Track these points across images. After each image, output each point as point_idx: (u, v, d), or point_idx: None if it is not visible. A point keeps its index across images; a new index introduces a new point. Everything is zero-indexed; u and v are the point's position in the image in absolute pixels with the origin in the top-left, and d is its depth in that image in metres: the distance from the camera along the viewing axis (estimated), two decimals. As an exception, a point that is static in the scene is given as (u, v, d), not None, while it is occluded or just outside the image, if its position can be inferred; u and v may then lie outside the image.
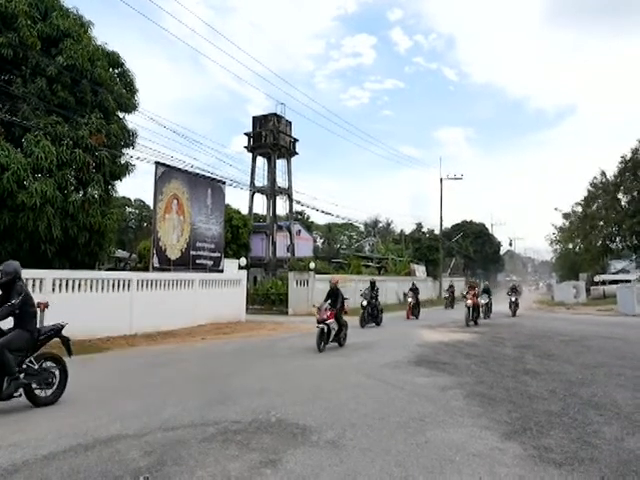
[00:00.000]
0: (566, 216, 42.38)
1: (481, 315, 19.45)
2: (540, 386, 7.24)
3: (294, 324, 17.71)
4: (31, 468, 3.96)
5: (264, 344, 12.37)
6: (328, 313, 10.83)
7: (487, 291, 22.05)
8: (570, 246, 44.71)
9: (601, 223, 37.79)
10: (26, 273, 11.01)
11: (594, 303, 32.20)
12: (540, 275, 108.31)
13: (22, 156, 12.38)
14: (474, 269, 62.09)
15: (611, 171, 36.99)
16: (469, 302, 17.62)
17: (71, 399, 6.34)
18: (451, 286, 31.01)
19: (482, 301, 20.64)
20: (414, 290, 22.19)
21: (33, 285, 10.96)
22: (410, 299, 21.77)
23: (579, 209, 40.28)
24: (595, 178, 38.18)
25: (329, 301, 11.53)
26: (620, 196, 36.73)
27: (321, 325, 10.67)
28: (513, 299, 23.72)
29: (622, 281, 32.26)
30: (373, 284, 18.38)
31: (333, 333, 10.95)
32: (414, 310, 21.47)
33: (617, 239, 38.80)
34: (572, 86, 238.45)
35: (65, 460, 4.13)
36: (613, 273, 42.05)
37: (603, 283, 37.82)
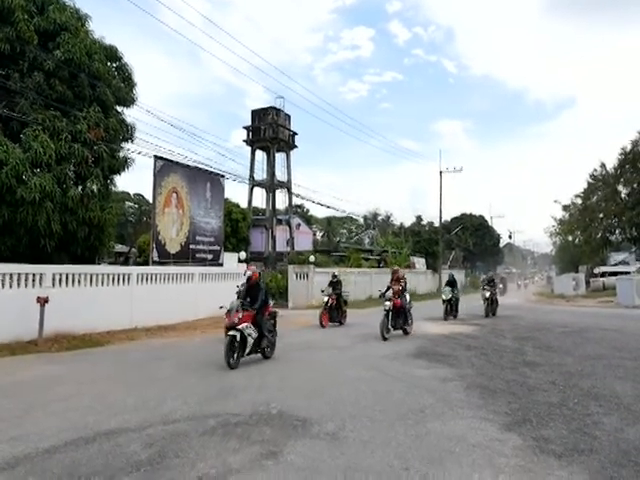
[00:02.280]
0: (566, 208, 42.32)
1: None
2: (540, 378, 7.26)
3: (294, 317, 17.69)
4: (33, 461, 3.98)
5: (264, 337, 12.39)
6: (240, 315, 8.21)
7: (452, 283, 17.45)
8: (570, 238, 44.69)
9: (601, 215, 37.76)
10: (26, 268, 11.11)
11: (594, 295, 32.24)
12: (540, 267, 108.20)
13: (20, 151, 12.33)
14: (474, 262, 62.11)
15: (611, 163, 36.95)
16: (387, 304, 12.00)
17: (71, 393, 6.37)
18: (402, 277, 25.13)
19: (444, 297, 16.96)
20: (334, 284, 15.39)
21: (33, 280, 10.98)
22: (326, 298, 14.86)
23: (579, 201, 40.23)
24: (595, 170, 38.12)
25: (245, 300, 8.74)
26: (620, 188, 36.67)
27: (232, 332, 8.08)
28: (487, 295, 18.03)
29: (622, 273, 32.27)
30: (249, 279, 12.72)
31: (251, 341, 8.36)
32: (334, 314, 14.96)
33: (617, 231, 38.78)
34: (571, 78, 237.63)
35: (66, 453, 4.15)
36: (613, 265, 42.07)
37: (603, 275, 37.84)
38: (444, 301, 17.05)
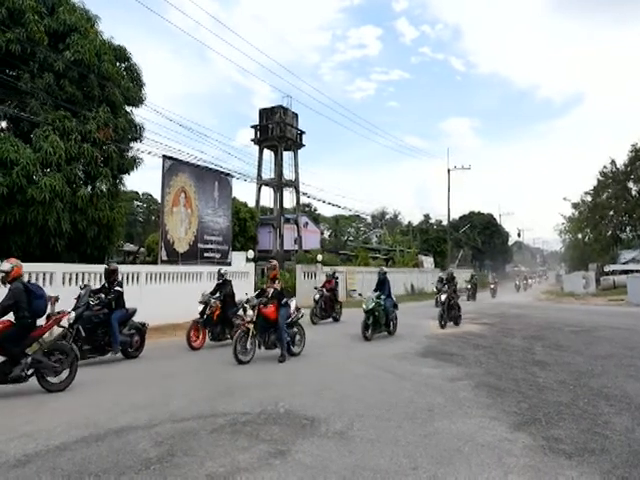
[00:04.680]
0: (575, 206, 41.97)
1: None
2: (549, 377, 7.22)
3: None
4: (43, 458, 4.02)
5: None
6: None
7: (381, 286, 12.27)
8: (579, 236, 44.35)
9: (611, 213, 37.46)
10: (36, 267, 11.20)
11: (604, 293, 31.92)
12: (549, 266, 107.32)
13: (31, 151, 12.46)
14: (482, 260, 61.78)
15: (621, 160, 36.61)
16: (249, 314, 8.59)
17: (81, 391, 6.42)
18: (332, 276, 16.98)
19: (364, 306, 11.55)
20: (220, 285, 11.02)
21: (43, 279, 11.07)
22: (202, 306, 10.40)
23: (588, 199, 39.87)
24: (605, 167, 37.78)
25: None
26: (630, 185, 36.36)
27: None
28: (443, 298, 13.91)
29: (633, 271, 31.94)
30: (111, 272, 9.27)
31: None
32: (216, 329, 10.53)
33: (627, 229, 38.48)
34: (580, 75, 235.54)
35: (77, 451, 4.18)
36: (623, 263, 41.57)
37: (613, 273, 37.43)
38: (366, 312, 11.52)
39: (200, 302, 10.50)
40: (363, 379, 7.13)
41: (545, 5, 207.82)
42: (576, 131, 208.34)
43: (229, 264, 18.38)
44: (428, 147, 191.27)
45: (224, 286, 10.96)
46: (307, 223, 40.32)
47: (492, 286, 32.01)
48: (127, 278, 13.39)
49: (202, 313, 10.35)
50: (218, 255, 18.08)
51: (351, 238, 60.83)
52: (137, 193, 43.18)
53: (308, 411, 5.37)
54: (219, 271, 11.60)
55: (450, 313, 13.90)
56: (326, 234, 61.01)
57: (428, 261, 40.09)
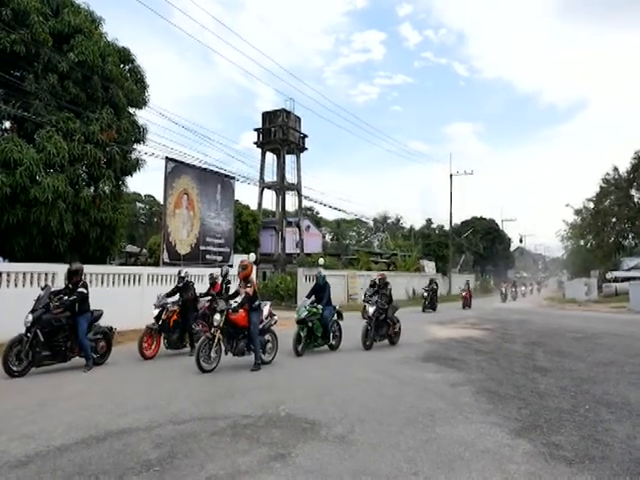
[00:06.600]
0: (578, 212, 41.91)
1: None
2: (550, 383, 7.20)
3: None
4: (44, 459, 4.02)
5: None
6: None
7: (319, 291, 10.36)
8: (582, 243, 44.26)
9: (613, 219, 37.37)
10: (39, 267, 11.25)
11: (606, 301, 31.85)
12: (551, 272, 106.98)
13: (34, 151, 12.50)
14: (484, 266, 61.64)
15: (624, 167, 36.56)
16: (217, 318, 7.87)
17: (82, 392, 6.43)
18: (224, 278, 12.36)
19: (296, 315, 9.83)
20: (180, 289, 9.89)
21: (45, 279, 11.11)
22: (157, 310, 9.34)
23: (591, 205, 39.79)
24: (607, 174, 37.71)
25: None
26: (633, 192, 36.28)
27: None
28: (372, 311, 10.59)
29: (635, 278, 31.85)
30: (74, 273, 8.31)
31: None
32: (173, 336, 9.61)
33: (630, 236, 38.37)
34: (584, 81, 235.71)
35: (77, 452, 4.18)
36: (626, 270, 41.52)
37: (615, 280, 37.34)
38: (297, 322, 9.76)
39: (155, 306, 9.42)
40: (364, 383, 7.12)
41: (552, 11, 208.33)
42: (580, 136, 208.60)
43: (231, 266, 18.38)
44: (431, 152, 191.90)
45: (185, 290, 9.86)
46: (309, 226, 40.36)
47: (464, 294, 25.76)
48: (129, 279, 13.48)
49: (157, 318, 9.32)
50: (220, 257, 18.10)
51: (353, 242, 60.82)
52: (139, 195, 43.23)
53: (309, 415, 5.36)
54: (179, 273, 10.22)
55: (380, 330, 10.85)
56: (328, 237, 61.03)
57: (430, 266, 40.02)
